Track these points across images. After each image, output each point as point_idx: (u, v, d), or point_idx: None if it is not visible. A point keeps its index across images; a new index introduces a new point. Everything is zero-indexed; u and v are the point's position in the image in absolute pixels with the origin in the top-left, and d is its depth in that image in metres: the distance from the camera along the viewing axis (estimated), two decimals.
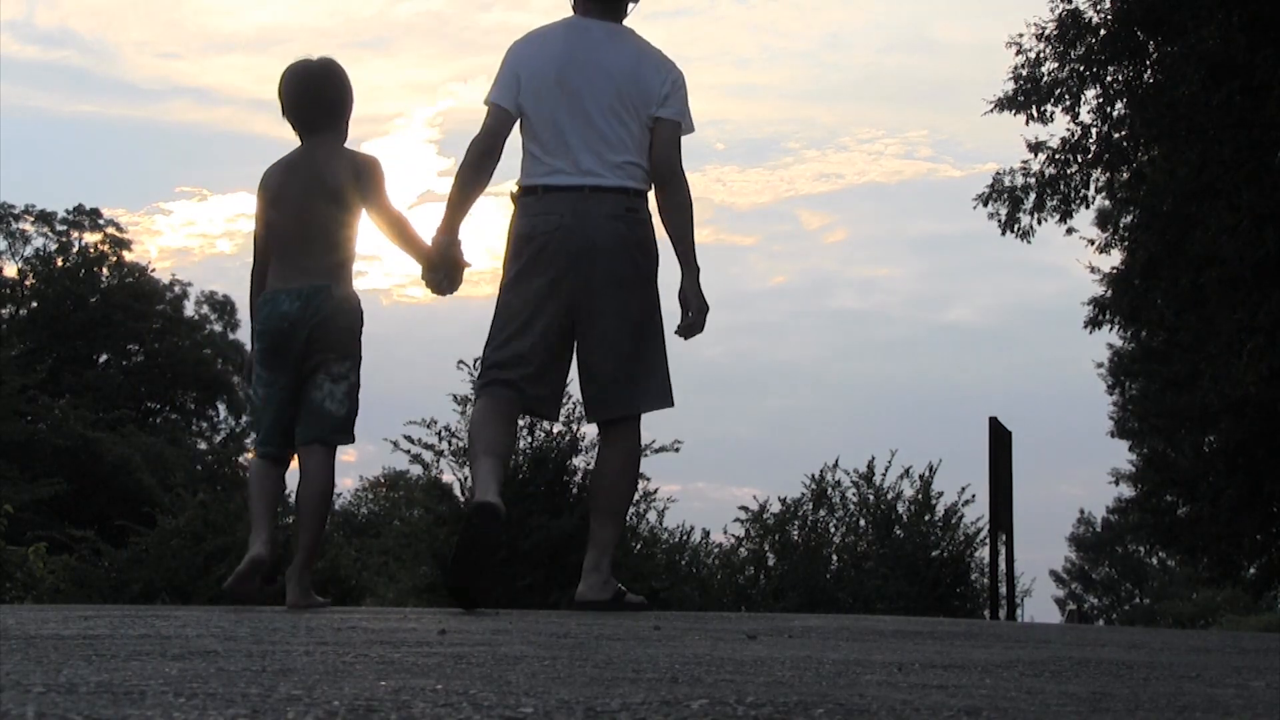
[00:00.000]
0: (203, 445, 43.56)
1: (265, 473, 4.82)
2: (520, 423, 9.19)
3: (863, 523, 12.28)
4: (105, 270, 43.54)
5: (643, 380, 4.52)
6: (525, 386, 4.47)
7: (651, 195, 4.56)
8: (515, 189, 4.57)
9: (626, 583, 9.36)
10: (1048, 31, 16.81)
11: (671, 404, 4.60)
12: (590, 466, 8.95)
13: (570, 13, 4.66)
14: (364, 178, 4.72)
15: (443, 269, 4.71)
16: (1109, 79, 16.85)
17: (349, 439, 4.76)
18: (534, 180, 4.48)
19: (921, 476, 12.30)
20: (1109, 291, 20.07)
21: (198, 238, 70.18)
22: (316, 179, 4.76)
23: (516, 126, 4.56)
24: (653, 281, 4.54)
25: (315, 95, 4.82)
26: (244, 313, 46.93)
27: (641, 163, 4.47)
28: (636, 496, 9.65)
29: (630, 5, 4.63)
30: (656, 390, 4.56)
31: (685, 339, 4.56)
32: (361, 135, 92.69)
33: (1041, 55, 16.91)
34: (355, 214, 4.76)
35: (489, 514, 4.11)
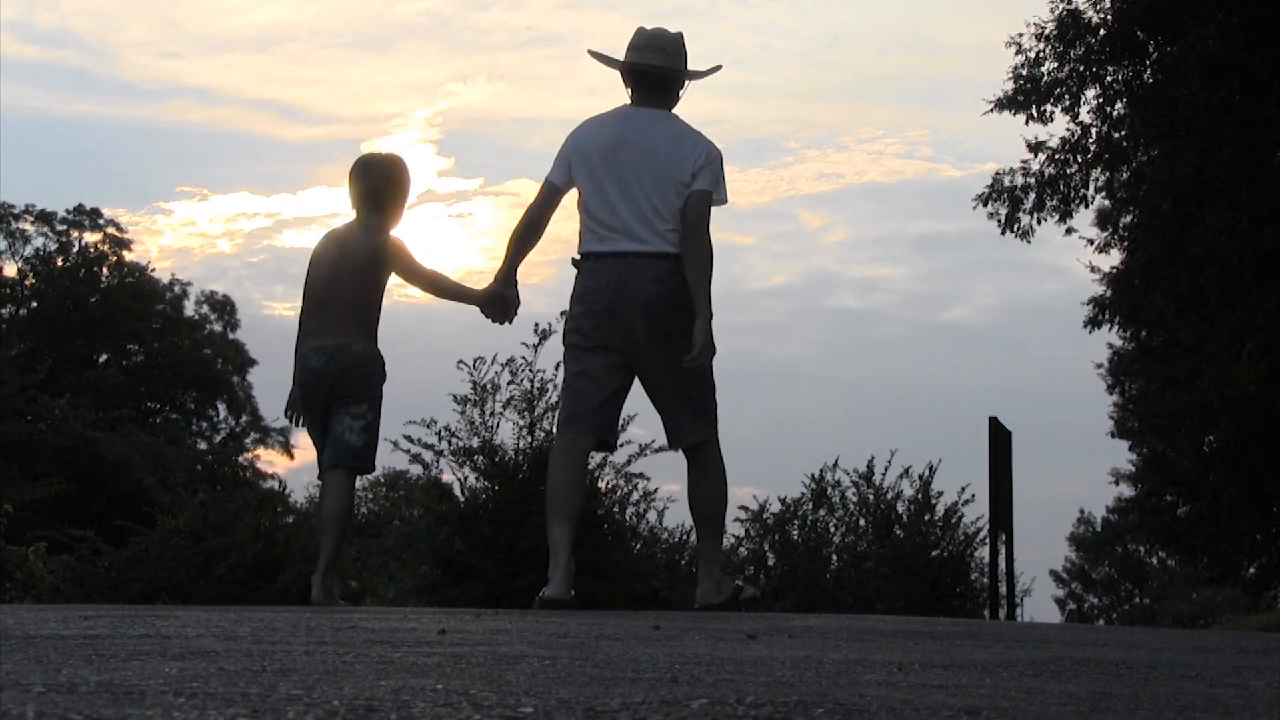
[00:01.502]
0: (203, 445, 43.55)
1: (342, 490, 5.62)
2: (521, 422, 9.35)
3: (863, 523, 12.28)
4: (105, 270, 43.53)
5: (702, 412, 5.26)
6: (590, 421, 5.25)
7: None
8: (576, 255, 5.28)
9: (626, 582, 9.39)
10: (1047, 31, 16.82)
11: (715, 432, 5.34)
12: (589, 466, 9.26)
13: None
14: (393, 259, 5.54)
15: (498, 307, 5.46)
16: (1109, 79, 16.85)
17: (367, 468, 5.63)
18: (589, 248, 5.20)
19: (921, 476, 12.30)
20: (1109, 291, 20.07)
21: (198, 237, 70.24)
22: (345, 255, 5.56)
23: (574, 201, 5.28)
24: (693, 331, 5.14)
25: (370, 185, 5.67)
26: (244, 315, 46.80)
27: (680, 229, 5.13)
28: (637, 496, 9.86)
29: (680, 92, 5.36)
30: (710, 425, 5.31)
31: (689, 368, 5.12)
32: (361, 135, 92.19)
33: (1041, 55, 16.91)
34: (378, 284, 5.57)
35: (557, 606, 5.20)
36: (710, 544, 5.34)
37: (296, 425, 5.78)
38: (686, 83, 5.39)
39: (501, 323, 5.48)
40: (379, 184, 5.69)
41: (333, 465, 5.57)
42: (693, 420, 5.25)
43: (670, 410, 5.26)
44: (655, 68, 5.28)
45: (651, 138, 5.18)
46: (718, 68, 5.50)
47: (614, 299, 5.12)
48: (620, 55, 5.40)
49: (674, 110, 5.37)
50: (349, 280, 5.53)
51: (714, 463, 5.31)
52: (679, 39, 5.39)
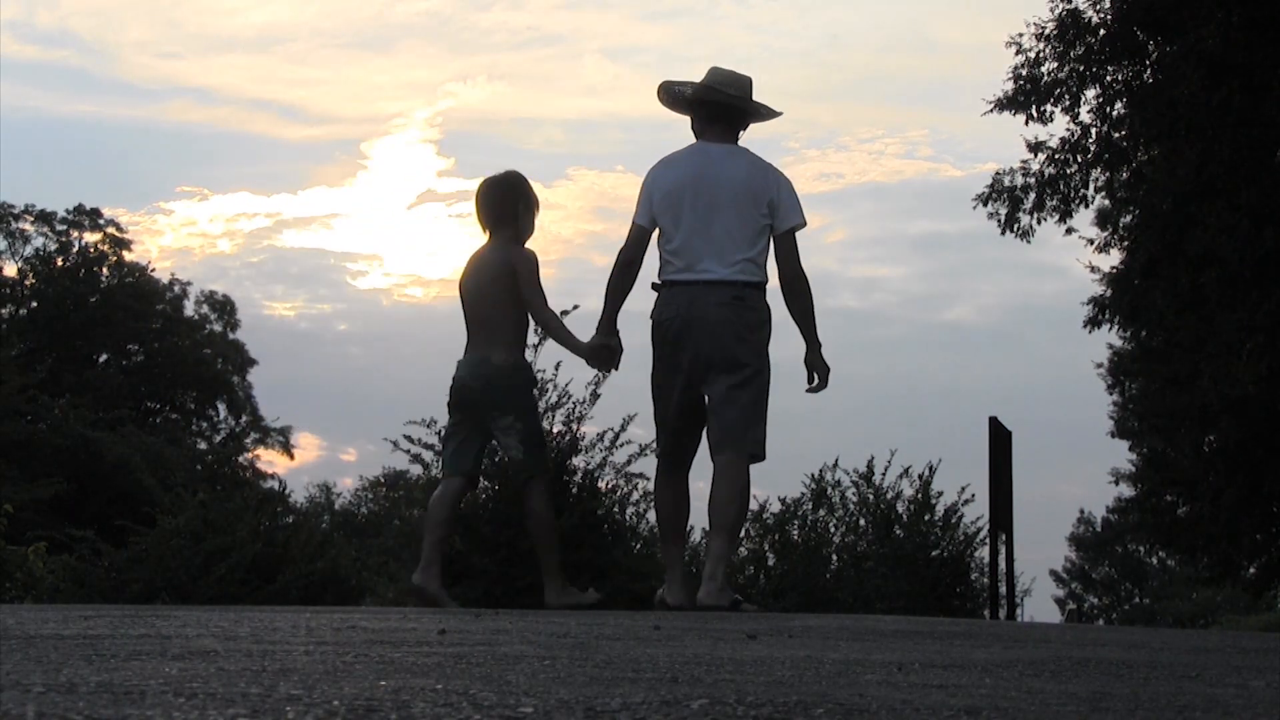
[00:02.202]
0: (203, 445, 43.53)
1: (439, 495, 5.94)
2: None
3: (862, 523, 12.26)
4: (105, 270, 43.50)
5: (742, 425, 5.53)
6: (685, 446, 5.66)
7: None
8: (656, 281, 5.64)
9: (626, 582, 9.39)
10: (1047, 31, 16.80)
11: (763, 457, 5.66)
12: (589, 466, 9.55)
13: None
14: (518, 266, 5.83)
15: (603, 357, 5.82)
16: (1109, 79, 16.84)
17: (539, 469, 5.89)
18: (665, 277, 5.58)
19: (921, 476, 12.29)
20: (1109, 291, 20.06)
21: (198, 237, 70.25)
22: (481, 270, 5.89)
23: (655, 232, 5.63)
24: (757, 352, 5.53)
25: (488, 204, 5.97)
26: (244, 315, 46.75)
27: (753, 258, 5.48)
28: (637, 496, 9.88)
29: (741, 131, 5.71)
30: (752, 439, 5.57)
31: (814, 395, 5.68)
32: (360, 135, 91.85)
33: (1041, 55, 16.89)
34: (514, 294, 5.83)
35: (679, 609, 5.45)
36: (720, 547, 5.51)
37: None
38: (750, 122, 5.77)
39: (606, 371, 5.90)
40: (496, 200, 5.98)
41: (520, 484, 6.07)
42: (728, 431, 5.53)
43: (720, 422, 5.54)
44: (729, 97, 5.64)
45: (728, 172, 5.51)
46: (779, 113, 5.82)
47: (686, 322, 5.47)
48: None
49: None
50: (487, 293, 5.85)
51: (741, 475, 5.56)
52: (748, 81, 5.73)
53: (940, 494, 12.52)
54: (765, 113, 5.75)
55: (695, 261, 5.46)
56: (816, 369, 5.63)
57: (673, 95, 5.76)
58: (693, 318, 5.45)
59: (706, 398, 5.57)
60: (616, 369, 5.92)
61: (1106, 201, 18.82)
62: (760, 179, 5.51)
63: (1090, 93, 16.94)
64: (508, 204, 5.99)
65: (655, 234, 5.65)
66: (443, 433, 6.19)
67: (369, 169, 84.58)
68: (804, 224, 5.55)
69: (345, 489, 51.14)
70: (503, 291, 5.83)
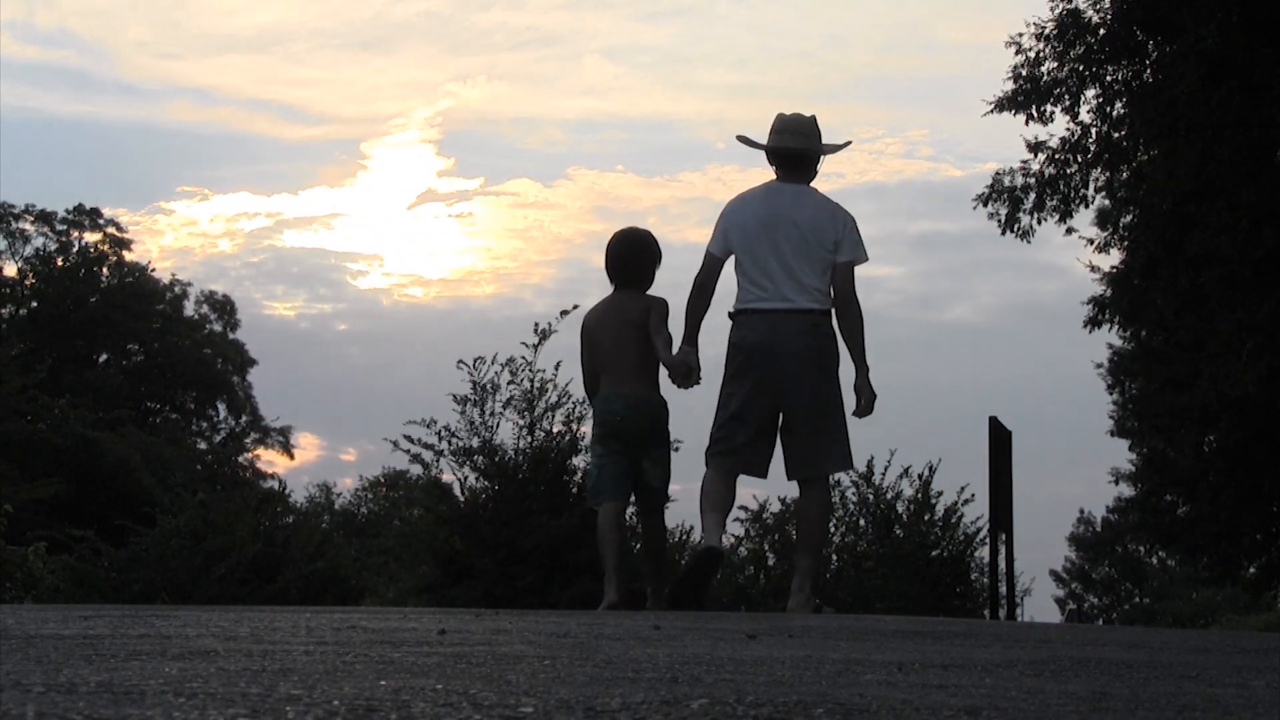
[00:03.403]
0: (203, 445, 43.52)
1: (610, 517, 6.43)
2: (521, 422, 9.38)
3: (862, 523, 12.27)
4: (105, 270, 43.50)
5: (827, 448, 6.01)
6: (739, 455, 6.04)
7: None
8: (732, 309, 6.11)
9: (626, 582, 9.38)
10: (1047, 31, 16.79)
11: (852, 466, 6.37)
12: (588, 466, 9.26)
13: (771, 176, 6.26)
14: (654, 315, 6.42)
15: (681, 373, 6.25)
16: (1108, 78, 16.83)
17: (667, 498, 6.63)
18: (743, 305, 6.05)
19: (921, 476, 12.30)
20: (1109, 291, 20.05)
21: (199, 237, 70.23)
22: (624, 316, 6.47)
23: (730, 263, 6.11)
24: (832, 376, 6.02)
25: (630, 262, 6.57)
26: (244, 315, 46.77)
27: (822, 288, 5.99)
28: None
29: (816, 167, 6.22)
30: (838, 455, 6.08)
31: (860, 419, 6.10)
32: (360, 135, 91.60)
33: (1041, 55, 16.89)
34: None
35: (714, 554, 5.90)
36: (806, 561, 6.04)
37: (590, 457, 6.80)
38: (822, 158, 6.28)
39: (684, 387, 6.29)
40: (638, 261, 6.61)
41: (649, 510, 6.65)
42: (815, 457, 6.02)
43: (798, 444, 6.02)
44: (792, 150, 6.16)
45: (798, 211, 6.04)
46: (848, 143, 6.36)
47: (765, 348, 5.95)
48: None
49: (813, 183, 6.26)
50: (633, 335, 6.43)
51: (824, 495, 6.19)
52: (812, 121, 6.23)
53: (940, 494, 12.52)
54: (830, 149, 6.27)
55: (772, 291, 5.98)
56: (863, 394, 6.06)
57: (750, 144, 6.32)
58: (774, 343, 5.95)
59: (783, 418, 6.03)
60: (699, 383, 6.31)
61: (1106, 201, 18.81)
62: (827, 218, 6.05)
63: (1090, 92, 16.93)
64: (647, 265, 6.63)
65: (728, 263, 6.18)
66: (591, 461, 6.71)
67: (369, 169, 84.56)
68: (864, 259, 6.10)
69: (345, 489, 51.06)
70: (639, 337, 6.45)
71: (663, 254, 6.67)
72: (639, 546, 6.74)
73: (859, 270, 6.12)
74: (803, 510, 6.18)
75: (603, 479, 6.50)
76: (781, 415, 6.04)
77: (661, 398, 6.55)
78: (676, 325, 6.40)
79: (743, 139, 6.35)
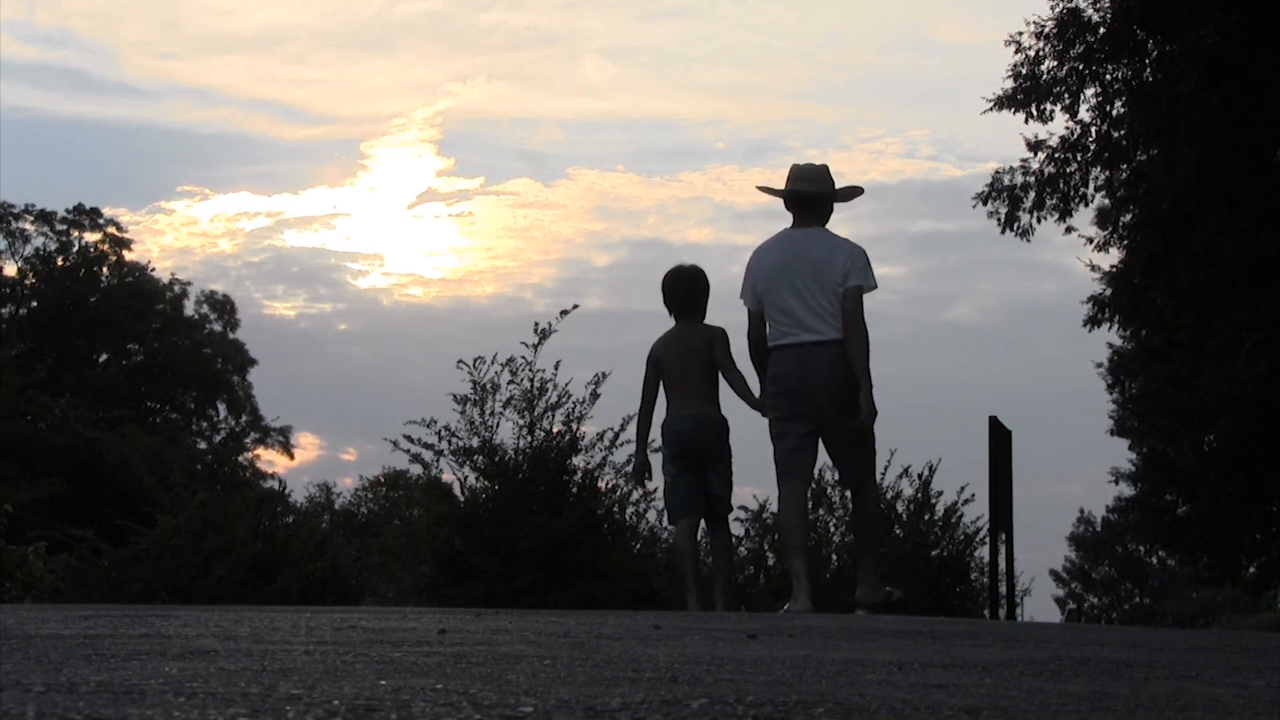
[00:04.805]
0: (203, 445, 43.52)
1: (686, 533, 7.09)
2: (521, 422, 9.39)
3: None
4: (105, 270, 43.50)
5: (866, 459, 6.75)
6: (800, 474, 6.69)
7: None
8: (768, 346, 6.74)
9: (626, 582, 9.39)
10: (1047, 30, 16.78)
11: (874, 474, 6.97)
12: (588, 466, 9.74)
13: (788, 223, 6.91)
14: (717, 346, 7.12)
15: (759, 407, 6.90)
16: (1108, 77, 16.81)
17: (730, 508, 7.27)
18: (775, 342, 6.69)
19: (921, 476, 12.30)
20: (1108, 290, 20.04)
21: (199, 237, 70.22)
22: (688, 343, 7.16)
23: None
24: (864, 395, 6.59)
25: (688, 297, 7.26)
26: (244, 315, 46.69)
27: (840, 319, 6.57)
28: (637, 495, 10.05)
29: (828, 211, 6.87)
30: (872, 465, 6.82)
31: (856, 427, 6.61)
32: (360, 135, 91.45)
33: (1041, 53, 16.87)
34: (714, 362, 7.14)
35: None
36: (868, 556, 6.72)
37: (665, 478, 7.25)
38: (833, 204, 6.93)
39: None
40: (695, 296, 7.29)
41: (717, 519, 7.21)
42: (859, 466, 6.74)
43: (843, 459, 6.76)
44: (804, 194, 6.83)
45: (810, 251, 6.67)
46: (859, 191, 7.05)
47: (799, 379, 6.59)
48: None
49: (827, 225, 6.90)
50: (692, 361, 7.13)
51: (872, 496, 6.91)
52: (824, 169, 6.91)
53: (940, 494, 12.52)
54: (844, 194, 6.93)
55: (798, 327, 6.61)
56: (864, 407, 6.56)
57: (769, 191, 7.00)
58: (804, 373, 6.59)
59: (824, 435, 6.68)
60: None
61: (1106, 200, 18.79)
62: (838, 255, 6.64)
63: (1090, 91, 16.91)
64: (701, 297, 7.32)
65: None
66: (666, 481, 7.30)
67: (369, 169, 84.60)
68: (871, 286, 6.65)
69: (345, 489, 51.06)
70: (708, 362, 7.14)
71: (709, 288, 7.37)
72: (707, 554, 7.27)
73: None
74: (857, 513, 6.99)
75: (676, 497, 7.16)
76: (822, 437, 6.71)
77: (723, 416, 7.19)
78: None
79: (762, 188, 7.03)
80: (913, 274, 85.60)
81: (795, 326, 6.62)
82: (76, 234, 43.26)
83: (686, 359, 7.18)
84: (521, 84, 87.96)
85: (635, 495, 9.89)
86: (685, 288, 7.33)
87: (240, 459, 43.20)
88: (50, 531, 12.99)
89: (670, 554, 7.35)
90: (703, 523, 7.16)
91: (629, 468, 9.68)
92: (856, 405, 6.56)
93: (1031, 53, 16.88)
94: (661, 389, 7.33)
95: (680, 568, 7.29)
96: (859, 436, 6.66)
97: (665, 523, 8.54)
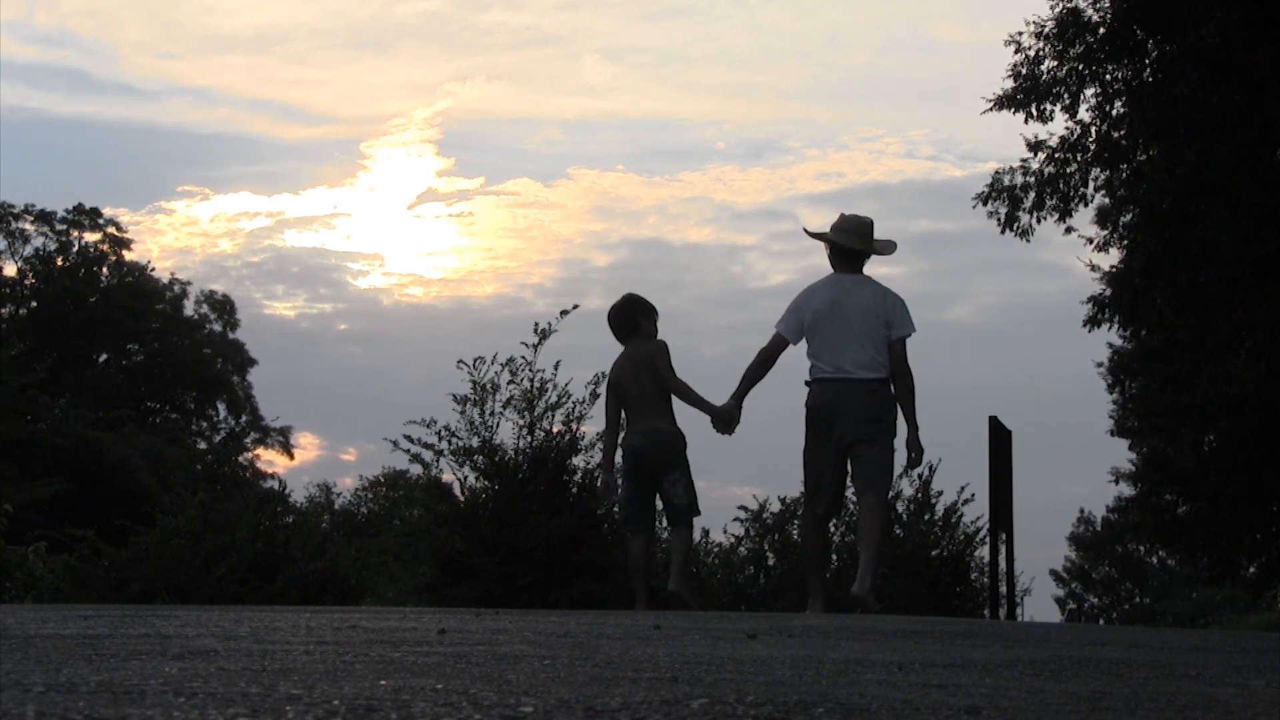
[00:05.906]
0: (203, 445, 43.51)
1: (638, 547, 7.69)
2: (521, 422, 9.38)
3: None
4: (105, 270, 43.49)
5: (883, 479, 7.22)
6: (822, 499, 7.26)
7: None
8: (809, 378, 7.20)
9: (626, 582, 9.40)
10: (1047, 30, 16.78)
11: (889, 486, 7.52)
12: (588, 466, 9.78)
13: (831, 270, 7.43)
14: (658, 357, 7.64)
15: (724, 420, 7.37)
16: (1108, 77, 16.81)
17: (696, 512, 7.78)
18: (816, 375, 7.18)
19: (921, 476, 12.31)
20: (1108, 290, 20.03)
21: (199, 237, 70.20)
22: (635, 363, 7.68)
23: (804, 340, 7.23)
24: (889, 428, 7.13)
25: (617, 323, 7.83)
26: (244, 315, 46.62)
27: (880, 358, 7.12)
28: (601, 511, 10.05)
29: (866, 261, 7.40)
30: (885, 486, 7.31)
31: (909, 471, 7.83)
32: (360, 135, 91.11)
33: (1041, 53, 16.87)
34: (659, 377, 7.63)
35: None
36: (869, 559, 7.01)
37: (619, 492, 7.80)
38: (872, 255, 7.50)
39: (724, 434, 7.41)
40: (621, 319, 7.82)
41: (676, 523, 7.81)
42: (874, 486, 7.16)
43: (864, 474, 7.13)
44: (853, 250, 7.37)
45: (857, 297, 7.21)
46: (894, 247, 7.51)
47: (833, 410, 7.09)
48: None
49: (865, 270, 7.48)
50: (643, 380, 7.64)
51: (882, 510, 7.31)
52: (869, 224, 7.45)
53: (940, 494, 12.54)
54: (881, 248, 7.43)
55: (839, 365, 7.11)
56: (912, 448, 7.16)
57: (816, 236, 7.48)
58: (841, 406, 7.09)
59: (851, 461, 7.14)
60: (732, 433, 7.43)
61: (1106, 200, 18.79)
62: (881, 302, 7.20)
63: (1090, 91, 16.90)
64: (633, 316, 7.79)
65: (799, 342, 7.28)
66: (620, 496, 7.80)
67: (369, 169, 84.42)
68: (913, 333, 7.19)
69: (345, 489, 51.04)
70: (652, 377, 7.64)
71: (653, 306, 7.88)
72: (665, 550, 7.58)
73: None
74: (862, 518, 7.31)
75: (629, 508, 7.72)
76: (850, 461, 7.15)
77: (676, 429, 7.69)
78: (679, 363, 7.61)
79: (810, 233, 7.56)
80: (913, 274, 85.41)
81: (836, 365, 7.14)
82: (76, 234, 43.26)
83: (640, 377, 7.70)
84: (521, 84, 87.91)
85: (599, 510, 9.87)
86: (617, 317, 7.89)
87: (240, 459, 43.19)
88: (50, 531, 13.01)
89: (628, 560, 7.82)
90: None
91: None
92: (879, 435, 7.09)
93: (1031, 53, 16.87)
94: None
95: (631, 578, 7.88)
96: (879, 464, 7.15)
97: (660, 522, 8.97)
